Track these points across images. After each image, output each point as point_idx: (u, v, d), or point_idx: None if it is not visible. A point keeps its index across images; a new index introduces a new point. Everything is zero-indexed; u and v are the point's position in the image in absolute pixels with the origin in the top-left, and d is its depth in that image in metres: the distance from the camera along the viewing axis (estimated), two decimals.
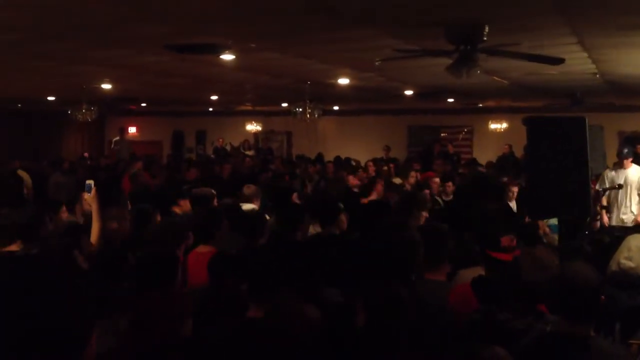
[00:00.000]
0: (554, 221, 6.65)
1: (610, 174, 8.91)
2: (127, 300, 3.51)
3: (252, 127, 21.74)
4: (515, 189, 8.54)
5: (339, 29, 6.42)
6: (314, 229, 5.71)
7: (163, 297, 3.50)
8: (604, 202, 8.82)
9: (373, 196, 8.33)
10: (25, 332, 1.37)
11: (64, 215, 6.04)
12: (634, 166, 8.86)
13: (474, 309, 3.34)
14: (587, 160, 5.55)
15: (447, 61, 6.49)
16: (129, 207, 6.50)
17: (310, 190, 9.97)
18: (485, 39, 6.05)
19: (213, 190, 6.68)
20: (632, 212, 8.71)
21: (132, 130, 22.77)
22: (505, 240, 4.72)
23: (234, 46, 7.46)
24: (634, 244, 6.01)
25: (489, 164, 14.22)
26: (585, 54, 7.92)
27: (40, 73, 10.42)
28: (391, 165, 13.89)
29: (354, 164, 13.64)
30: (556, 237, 6.06)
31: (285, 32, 6.71)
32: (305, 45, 7.57)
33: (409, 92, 13.55)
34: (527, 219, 6.90)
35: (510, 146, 16.68)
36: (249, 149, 19.61)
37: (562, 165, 5.49)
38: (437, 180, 9.39)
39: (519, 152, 15.27)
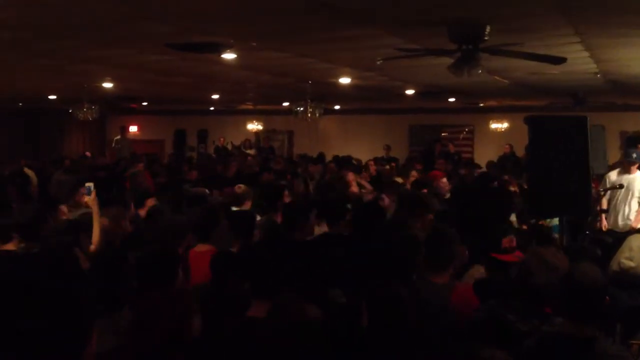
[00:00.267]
0: (554, 221, 6.64)
1: (612, 178, 8.56)
2: (128, 299, 3.51)
3: (254, 126, 21.74)
4: (516, 188, 8.51)
5: (341, 28, 6.42)
6: (319, 229, 5.66)
7: (164, 296, 3.50)
8: (604, 204, 8.57)
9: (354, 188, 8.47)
10: (26, 331, 1.37)
11: (64, 214, 6.04)
12: (639, 172, 8.48)
13: (475, 308, 3.34)
14: (589, 160, 5.56)
15: (449, 60, 6.48)
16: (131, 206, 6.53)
17: (313, 190, 9.96)
18: (487, 38, 6.05)
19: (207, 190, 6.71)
20: (629, 219, 8.38)
21: (134, 129, 22.77)
22: (506, 242, 4.73)
23: (235, 45, 7.46)
24: (635, 244, 6.01)
25: (490, 164, 14.21)
26: (587, 54, 7.91)
27: (41, 72, 10.43)
28: (392, 164, 13.90)
29: (355, 163, 13.63)
30: (557, 237, 6.05)
31: (286, 31, 6.71)
32: (307, 44, 7.57)
33: (410, 92, 13.54)
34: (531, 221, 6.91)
35: (511, 146, 16.66)
36: (250, 148, 19.61)
37: (563, 165, 5.49)
38: (445, 180, 9.34)
39: (520, 152, 15.25)
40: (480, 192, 7.88)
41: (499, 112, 18.74)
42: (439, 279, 3.79)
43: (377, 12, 5.75)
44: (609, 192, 8.49)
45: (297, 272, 3.57)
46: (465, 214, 5.99)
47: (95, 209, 4.74)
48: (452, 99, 15.82)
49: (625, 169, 8.49)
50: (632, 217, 8.40)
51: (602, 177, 8.81)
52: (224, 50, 7.69)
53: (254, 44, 7.41)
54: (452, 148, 17.25)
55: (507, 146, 16.84)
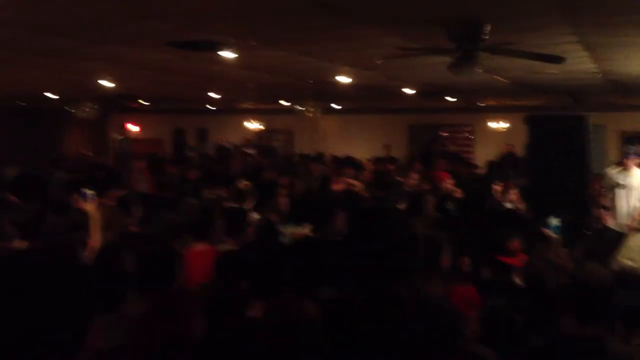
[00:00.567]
0: (555, 221, 6.64)
1: (611, 174, 8.45)
2: (129, 297, 3.50)
3: (254, 125, 21.73)
4: (515, 191, 8.41)
5: (340, 27, 6.42)
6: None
7: (164, 296, 3.50)
8: (605, 202, 8.41)
9: (338, 185, 8.47)
10: (25, 329, 1.37)
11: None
12: (636, 170, 8.36)
13: (475, 309, 3.34)
14: (588, 159, 5.57)
15: (448, 60, 6.49)
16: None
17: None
18: (486, 37, 6.05)
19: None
20: (629, 216, 8.26)
21: (134, 128, 22.76)
22: (512, 244, 4.74)
23: (236, 44, 7.46)
24: (634, 243, 6.01)
25: (489, 163, 14.21)
26: (587, 53, 7.91)
27: (41, 71, 10.43)
28: (390, 165, 13.89)
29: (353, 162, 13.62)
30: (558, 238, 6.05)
31: (286, 30, 6.71)
32: (307, 43, 7.57)
33: (409, 91, 13.54)
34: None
35: (511, 145, 16.66)
36: (250, 147, 19.60)
37: (562, 164, 5.51)
38: (450, 181, 9.36)
39: (519, 151, 15.25)
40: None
41: (499, 112, 18.72)
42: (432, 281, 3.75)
43: (377, 11, 5.75)
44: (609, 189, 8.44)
45: (296, 272, 3.57)
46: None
47: (93, 214, 4.71)
48: (451, 99, 15.82)
49: (624, 166, 8.40)
50: (628, 213, 8.33)
51: (601, 177, 8.78)
52: (224, 49, 7.69)
53: (254, 43, 7.41)
54: (451, 148, 17.27)
55: (506, 146, 16.84)
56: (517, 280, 4.36)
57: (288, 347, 2.70)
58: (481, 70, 6.73)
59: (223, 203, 6.65)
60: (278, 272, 3.38)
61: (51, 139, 20.72)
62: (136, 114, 22.13)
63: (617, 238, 6.67)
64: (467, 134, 19.50)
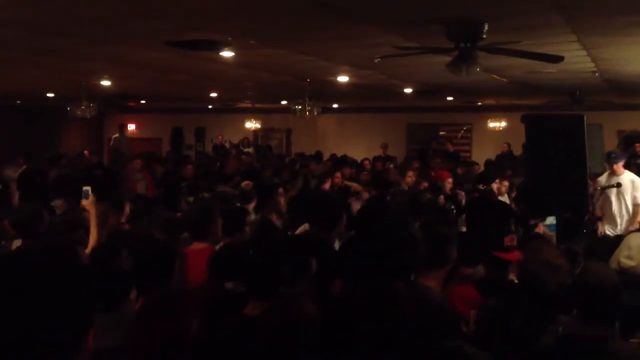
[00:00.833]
0: (551, 220, 6.65)
1: (602, 182, 8.38)
2: (128, 296, 3.50)
3: (252, 124, 21.72)
4: (506, 183, 8.70)
5: (339, 26, 6.42)
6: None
7: (164, 295, 3.50)
8: (598, 212, 8.36)
9: (327, 185, 8.51)
10: (25, 329, 1.37)
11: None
12: (626, 172, 8.39)
13: (475, 308, 3.34)
14: (586, 158, 5.56)
15: (447, 59, 6.49)
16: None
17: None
18: (485, 36, 6.05)
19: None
20: (622, 224, 8.26)
21: (132, 127, 22.75)
22: (507, 240, 4.75)
23: (234, 43, 7.46)
24: (634, 243, 6.03)
25: (488, 162, 14.23)
26: (585, 52, 7.92)
27: (39, 69, 10.42)
28: (390, 164, 13.89)
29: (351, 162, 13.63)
30: (554, 235, 6.06)
31: (284, 29, 6.71)
32: (305, 42, 7.57)
33: (408, 90, 13.55)
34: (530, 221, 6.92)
35: (509, 144, 16.69)
36: (248, 147, 19.60)
37: (560, 163, 5.50)
38: (451, 180, 9.44)
39: (517, 150, 15.27)
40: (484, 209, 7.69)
41: (497, 111, 18.74)
42: (427, 280, 3.70)
43: (377, 11, 5.75)
44: (600, 197, 8.23)
45: (295, 271, 3.57)
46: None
47: (92, 213, 4.71)
48: (450, 98, 15.83)
49: (614, 172, 8.36)
50: (625, 218, 8.29)
51: (599, 176, 8.75)
52: (222, 48, 7.69)
53: (253, 42, 7.41)
54: (450, 147, 17.27)
55: (505, 145, 16.86)
56: (512, 277, 4.38)
57: (287, 347, 2.70)
58: (480, 70, 6.72)
59: (224, 203, 6.63)
60: (274, 270, 3.38)
61: (49, 137, 20.71)
62: (135, 113, 22.13)
63: (613, 242, 6.68)
64: (465, 133, 19.51)
